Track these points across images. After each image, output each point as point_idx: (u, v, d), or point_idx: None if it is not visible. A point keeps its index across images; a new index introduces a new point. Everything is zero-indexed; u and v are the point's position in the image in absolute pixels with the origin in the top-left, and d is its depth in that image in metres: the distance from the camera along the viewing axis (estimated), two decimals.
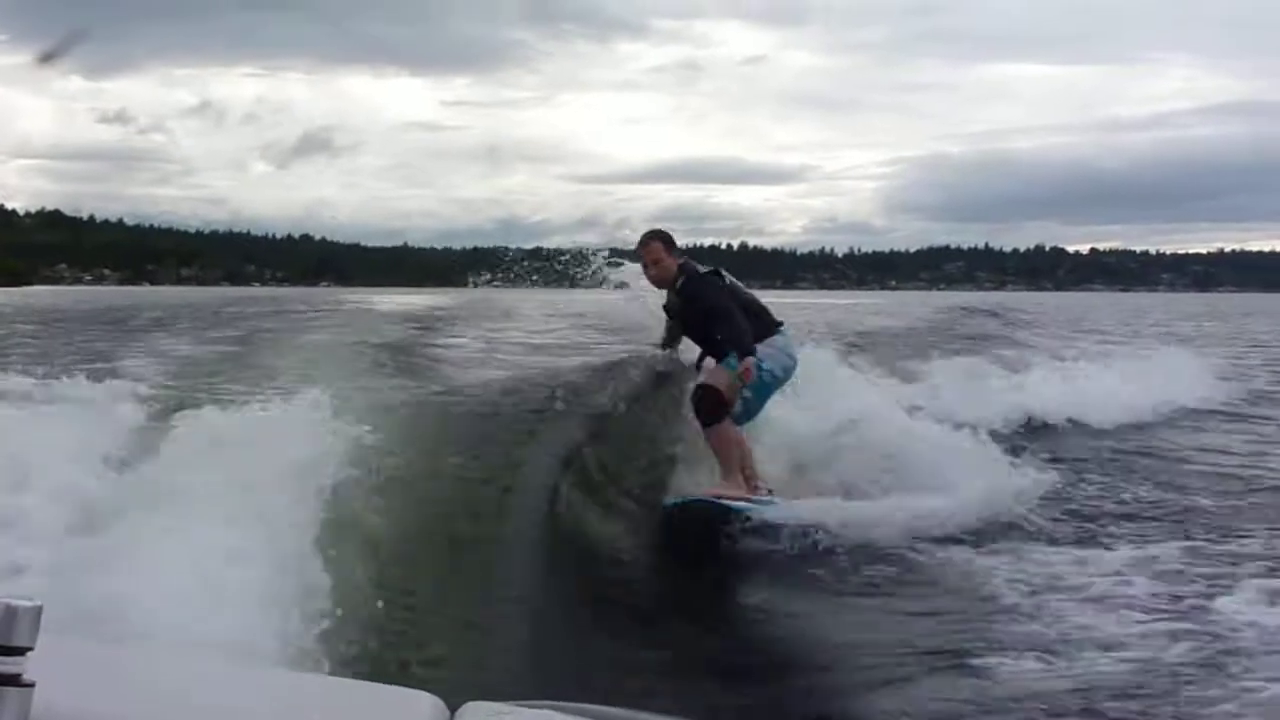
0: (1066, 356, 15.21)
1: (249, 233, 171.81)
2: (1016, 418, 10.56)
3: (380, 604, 4.07)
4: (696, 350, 7.03)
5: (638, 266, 7.07)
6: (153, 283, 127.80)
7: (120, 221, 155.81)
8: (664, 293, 6.98)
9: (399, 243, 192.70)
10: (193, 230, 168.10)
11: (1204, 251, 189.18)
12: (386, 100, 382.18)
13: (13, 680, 1.09)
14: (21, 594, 1.11)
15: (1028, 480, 6.94)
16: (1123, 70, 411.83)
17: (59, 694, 1.16)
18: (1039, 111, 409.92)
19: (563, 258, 8.18)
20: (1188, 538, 6.67)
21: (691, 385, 6.66)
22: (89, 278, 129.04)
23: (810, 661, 5.09)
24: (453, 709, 1.36)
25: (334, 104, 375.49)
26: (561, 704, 1.36)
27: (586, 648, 4.67)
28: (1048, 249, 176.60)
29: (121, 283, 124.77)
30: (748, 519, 6.23)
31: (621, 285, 7.88)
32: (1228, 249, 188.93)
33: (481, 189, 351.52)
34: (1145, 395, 12.07)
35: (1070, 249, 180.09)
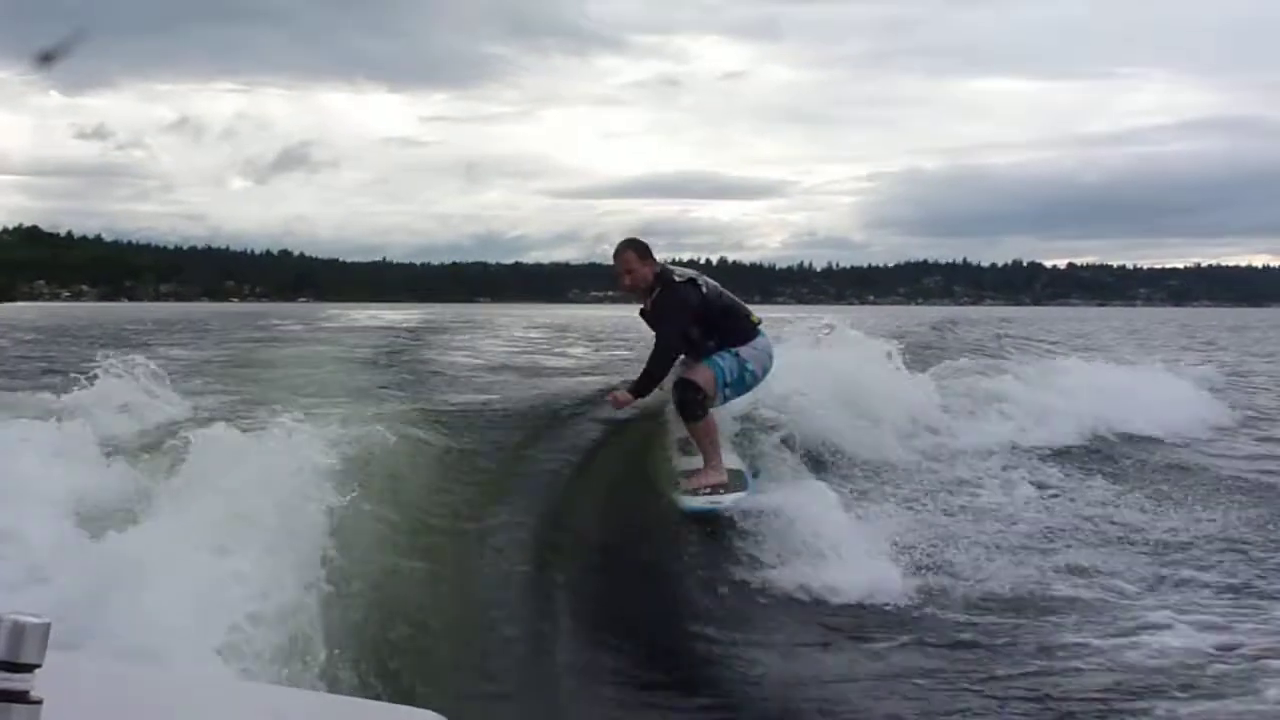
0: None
1: (228, 248, 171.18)
2: None
3: (382, 623, 4.08)
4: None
5: None
6: (131, 298, 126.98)
7: (99, 238, 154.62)
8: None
9: (378, 258, 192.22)
10: (171, 246, 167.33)
11: (1180, 266, 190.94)
12: (365, 116, 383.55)
13: (21, 697, 1.09)
14: (30, 611, 1.10)
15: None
16: (1099, 86, 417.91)
17: (66, 711, 1.15)
18: (1016, 127, 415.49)
19: None
20: None
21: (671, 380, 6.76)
22: (67, 294, 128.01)
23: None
24: None
25: (313, 119, 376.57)
26: None
27: (590, 663, 4.66)
28: (1025, 264, 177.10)
29: (100, 299, 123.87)
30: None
31: None
32: (1204, 264, 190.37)
33: (460, 204, 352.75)
34: None
35: (1047, 264, 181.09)
